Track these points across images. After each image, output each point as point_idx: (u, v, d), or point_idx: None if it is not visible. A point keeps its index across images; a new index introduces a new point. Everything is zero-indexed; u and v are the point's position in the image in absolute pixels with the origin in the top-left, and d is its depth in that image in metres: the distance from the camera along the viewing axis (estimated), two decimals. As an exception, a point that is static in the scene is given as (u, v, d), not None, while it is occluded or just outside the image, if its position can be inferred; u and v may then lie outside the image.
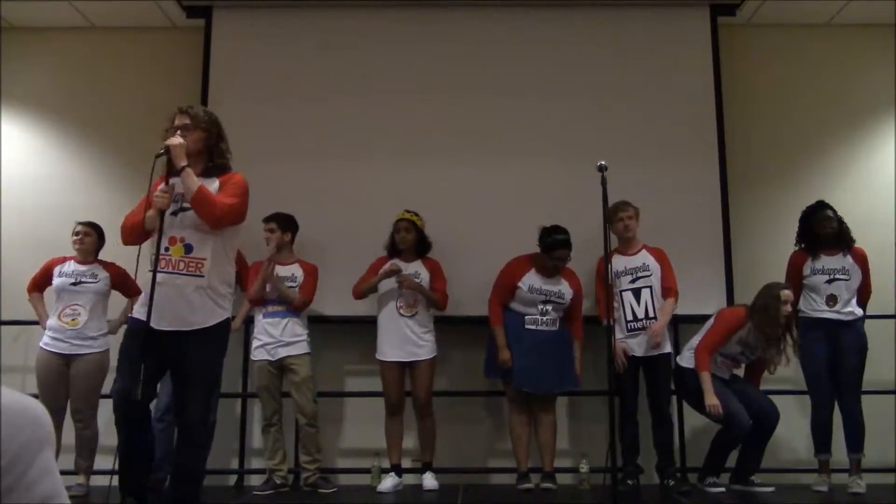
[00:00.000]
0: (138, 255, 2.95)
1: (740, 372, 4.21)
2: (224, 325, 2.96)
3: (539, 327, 4.12)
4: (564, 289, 4.15)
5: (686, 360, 4.07)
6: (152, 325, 2.76)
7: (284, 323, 4.16)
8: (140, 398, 2.77)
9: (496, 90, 4.82)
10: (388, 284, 4.19)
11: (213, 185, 2.92)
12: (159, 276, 2.80)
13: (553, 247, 4.05)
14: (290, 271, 4.26)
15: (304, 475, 4.16)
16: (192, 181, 2.84)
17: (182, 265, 2.83)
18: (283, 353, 4.12)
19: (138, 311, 2.88)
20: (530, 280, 4.12)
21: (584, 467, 4.15)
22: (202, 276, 2.87)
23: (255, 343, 4.20)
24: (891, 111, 4.93)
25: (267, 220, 4.25)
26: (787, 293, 3.92)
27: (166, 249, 2.85)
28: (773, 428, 4.01)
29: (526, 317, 4.12)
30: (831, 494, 3.95)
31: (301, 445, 4.20)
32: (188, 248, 2.86)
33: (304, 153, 4.77)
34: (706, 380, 3.90)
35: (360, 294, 4.26)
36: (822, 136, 4.95)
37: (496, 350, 4.12)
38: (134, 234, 2.93)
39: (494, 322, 4.14)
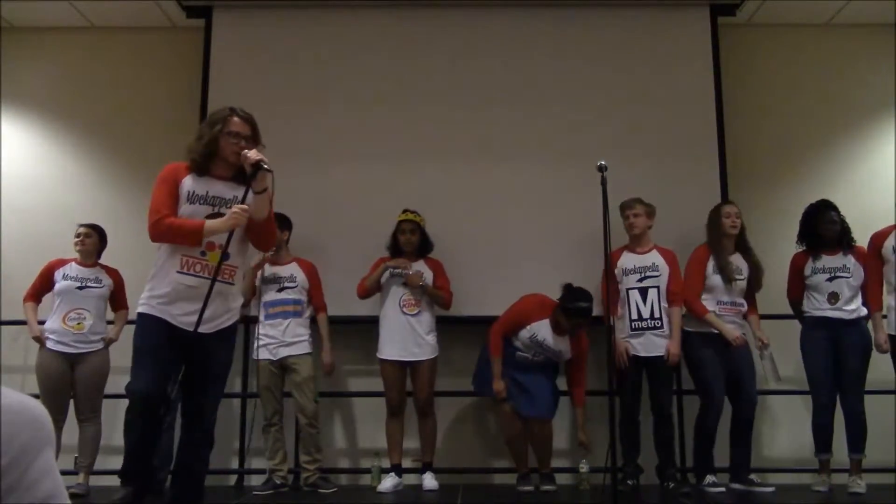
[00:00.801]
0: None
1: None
2: (235, 325, 2.99)
3: (528, 362, 4.12)
4: (565, 350, 4.10)
5: (688, 323, 4.10)
6: (175, 324, 2.75)
7: (287, 323, 4.16)
8: (174, 397, 2.78)
9: (496, 90, 4.82)
10: (393, 282, 4.21)
11: (268, 204, 2.89)
12: (195, 281, 2.75)
13: (573, 314, 3.96)
14: (289, 271, 4.26)
15: (305, 475, 4.16)
16: (266, 206, 2.84)
17: (218, 272, 2.77)
18: (284, 352, 4.12)
19: (156, 308, 2.76)
20: (536, 329, 4.05)
21: (583, 467, 4.15)
22: (232, 284, 2.88)
23: (257, 343, 4.20)
24: (891, 111, 4.93)
25: None
26: (726, 208, 4.15)
27: (202, 254, 2.80)
28: (750, 413, 4.03)
29: (517, 353, 4.12)
30: (831, 494, 3.95)
31: (301, 445, 4.20)
32: (225, 256, 2.82)
33: (304, 153, 4.76)
34: (713, 320, 3.97)
35: (364, 292, 4.25)
36: (822, 136, 4.96)
37: (486, 369, 4.13)
38: (188, 241, 2.76)
39: (494, 353, 4.09)
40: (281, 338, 4.13)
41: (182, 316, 2.74)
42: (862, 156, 4.94)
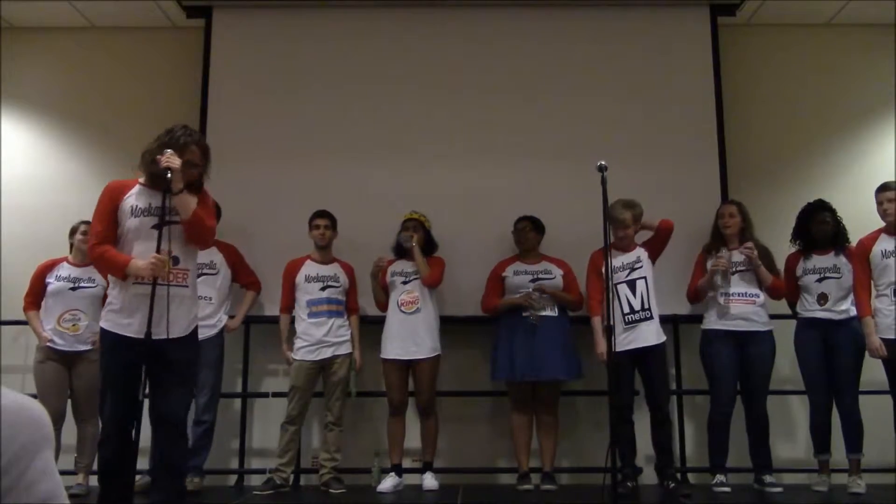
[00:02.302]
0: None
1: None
2: (196, 329, 3.04)
3: (535, 310, 4.10)
4: (550, 267, 4.27)
5: (704, 321, 4.17)
6: (135, 336, 2.79)
7: (330, 323, 4.19)
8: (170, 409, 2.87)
9: (496, 90, 4.82)
10: (394, 282, 4.24)
11: (193, 202, 2.95)
12: (148, 289, 2.80)
13: (515, 224, 4.33)
14: (333, 271, 4.28)
15: (321, 472, 4.17)
16: (189, 204, 2.91)
17: (171, 276, 2.87)
18: (328, 352, 4.15)
19: (116, 324, 2.85)
20: (514, 267, 4.28)
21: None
22: (187, 287, 2.96)
23: (298, 343, 4.20)
24: (891, 111, 4.93)
25: (321, 214, 4.30)
26: (720, 209, 4.27)
27: None
28: (755, 409, 4.04)
29: (524, 303, 4.12)
30: (831, 494, 3.95)
31: (323, 443, 4.21)
32: (175, 261, 2.92)
33: (304, 153, 4.76)
34: (709, 280, 4.10)
35: (379, 304, 4.31)
36: (821, 136, 4.96)
37: (502, 350, 4.13)
38: (114, 274, 2.89)
39: (491, 303, 4.25)
40: (324, 337, 4.16)
41: (143, 326, 2.78)
42: (861, 156, 4.94)
